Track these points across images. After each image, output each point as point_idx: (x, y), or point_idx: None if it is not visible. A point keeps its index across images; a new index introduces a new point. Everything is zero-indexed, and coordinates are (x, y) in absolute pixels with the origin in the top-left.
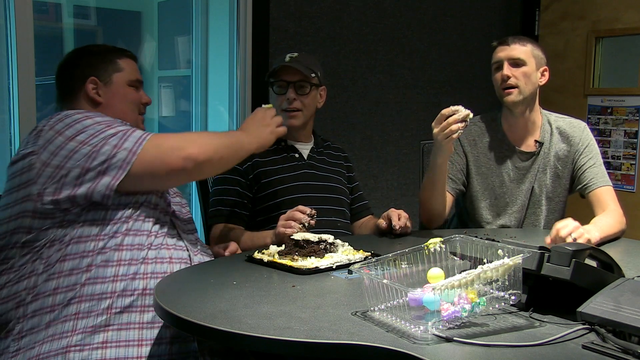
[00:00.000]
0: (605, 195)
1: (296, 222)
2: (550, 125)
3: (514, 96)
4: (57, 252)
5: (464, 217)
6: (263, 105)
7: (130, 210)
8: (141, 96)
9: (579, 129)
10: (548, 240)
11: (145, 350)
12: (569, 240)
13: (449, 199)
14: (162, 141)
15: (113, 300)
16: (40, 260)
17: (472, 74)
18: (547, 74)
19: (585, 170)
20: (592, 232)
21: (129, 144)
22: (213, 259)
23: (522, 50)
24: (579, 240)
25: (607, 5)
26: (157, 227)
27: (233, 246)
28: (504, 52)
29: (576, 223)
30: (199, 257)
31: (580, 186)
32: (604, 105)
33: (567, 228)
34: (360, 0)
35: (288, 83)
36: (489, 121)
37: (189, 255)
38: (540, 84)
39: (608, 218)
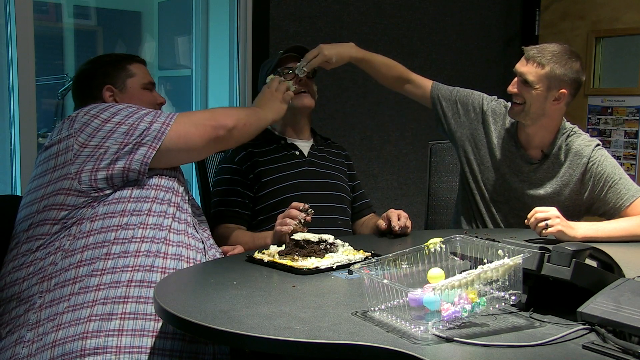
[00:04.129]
0: None
1: (292, 220)
2: (562, 143)
3: (514, 113)
4: (84, 229)
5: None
6: (267, 79)
7: (154, 192)
8: (155, 97)
9: (589, 148)
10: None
11: (159, 342)
12: (541, 225)
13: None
14: (192, 114)
15: (133, 274)
16: (68, 236)
17: (472, 74)
18: (564, 97)
19: (605, 191)
20: (576, 228)
21: (163, 118)
22: (223, 256)
23: (535, 72)
24: (550, 230)
25: (607, 5)
26: (178, 213)
27: (238, 250)
28: (520, 65)
29: (556, 212)
30: (212, 252)
31: (607, 207)
32: (604, 105)
33: (544, 214)
34: (360, 1)
35: (294, 69)
36: None
37: (204, 248)
38: (554, 106)
39: (627, 221)
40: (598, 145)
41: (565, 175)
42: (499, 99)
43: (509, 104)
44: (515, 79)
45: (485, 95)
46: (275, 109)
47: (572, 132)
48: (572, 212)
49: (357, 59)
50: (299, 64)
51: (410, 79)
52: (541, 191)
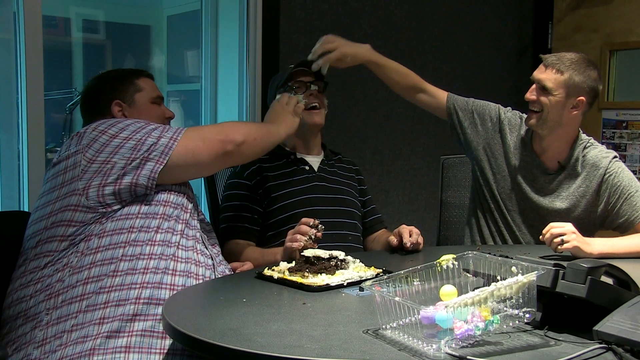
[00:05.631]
0: None
1: (302, 236)
2: (579, 154)
3: (533, 121)
4: (92, 245)
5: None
6: (277, 97)
7: (163, 208)
8: (164, 111)
9: (607, 160)
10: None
11: (168, 359)
12: (556, 241)
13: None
14: (201, 129)
15: (141, 291)
16: (76, 253)
17: (484, 86)
18: (582, 104)
19: (621, 204)
20: (592, 244)
21: (171, 133)
22: (233, 273)
23: (554, 78)
24: (566, 246)
25: (621, 17)
26: (186, 230)
27: (248, 266)
28: (538, 72)
29: (572, 228)
30: (222, 268)
31: (621, 221)
32: (619, 119)
33: (559, 229)
34: (370, 14)
35: (305, 83)
36: None
37: (213, 264)
38: (572, 114)
39: None
40: (615, 157)
41: (581, 186)
42: (514, 110)
43: (524, 115)
44: (533, 86)
45: (501, 105)
46: (287, 123)
47: (588, 144)
48: (587, 226)
49: (372, 62)
50: (313, 48)
51: (424, 88)
52: (557, 202)
